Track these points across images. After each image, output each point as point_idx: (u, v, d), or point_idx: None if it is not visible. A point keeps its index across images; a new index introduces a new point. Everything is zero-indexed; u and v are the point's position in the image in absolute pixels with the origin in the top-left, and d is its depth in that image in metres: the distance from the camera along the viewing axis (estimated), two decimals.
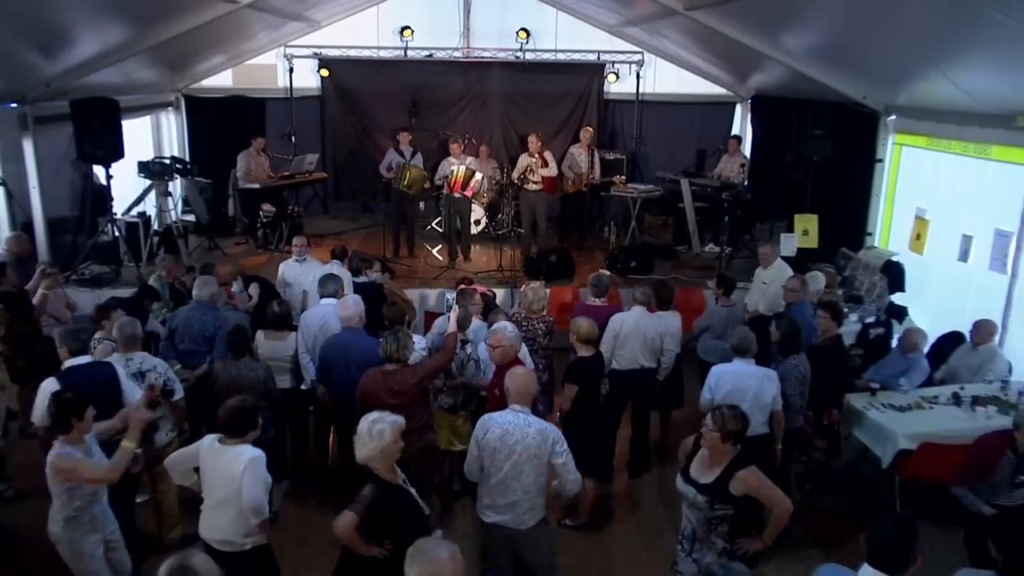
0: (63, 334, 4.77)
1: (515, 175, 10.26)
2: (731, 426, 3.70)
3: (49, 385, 4.49)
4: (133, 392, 4.73)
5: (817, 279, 7.10)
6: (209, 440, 3.99)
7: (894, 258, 8.18)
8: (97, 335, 5.61)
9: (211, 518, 3.97)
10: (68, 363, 4.67)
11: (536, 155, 10.18)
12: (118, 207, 9.08)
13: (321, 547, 5.25)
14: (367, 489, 3.54)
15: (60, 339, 4.74)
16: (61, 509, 4.09)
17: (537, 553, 4.23)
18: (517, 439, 3.96)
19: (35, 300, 6.35)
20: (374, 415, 3.66)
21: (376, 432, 3.58)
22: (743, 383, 5.00)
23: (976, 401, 5.71)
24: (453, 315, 5.38)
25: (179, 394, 5.07)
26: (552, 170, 10.42)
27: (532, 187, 10.14)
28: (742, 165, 10.67)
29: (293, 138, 12.18)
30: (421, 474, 4.93)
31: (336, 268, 7.16)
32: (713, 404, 4.88)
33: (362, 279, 7.29)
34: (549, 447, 4.00)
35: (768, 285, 7.34)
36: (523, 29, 11.81)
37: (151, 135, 11.46)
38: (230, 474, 3.85)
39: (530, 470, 3.99)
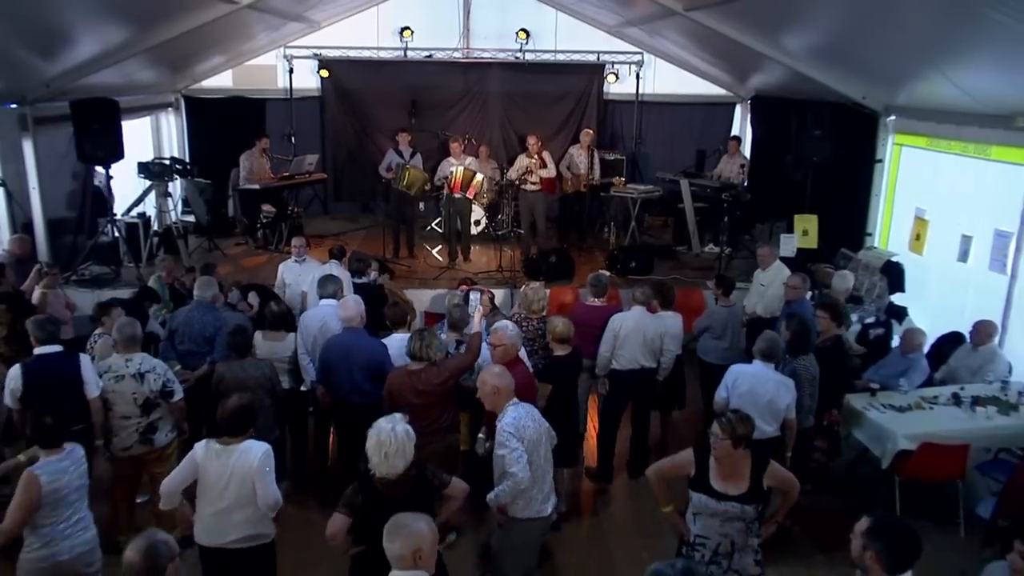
0: (31, 324, 5.00)
1: (513, 176, 10.25)
2: (741, 430, 3.70)
3: (14, 371, 4.81)
4: (94, 384, 4.83)
5: (845, 278, 7.03)
6: (204, 447, 3.93)
7: (894, 258, 8.17)
8: (96, 332, 5.62)
9: (224, 521, 3.92)
10: (37, 351, 4.89)
11: (535, 156, 10.17)
12: (118, 208, 9.08)
13: (321, 547, 5.24)
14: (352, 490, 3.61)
15: (29, 328, 4.98)
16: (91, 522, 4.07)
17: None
18: (540, 422, 4.21)
19: (34, 299, 6.36)
20: (384, 424, 3.58)
21: (411, 435, 3.58)
22: (760, 387, 4.98)
23: (976, 401, 5.71)
24: (478, 315, 5.38)
25: (178, 395, 5.05)
26: (551, 171, 10.42)
27: (531, 187, 10.14)
28: (742, 166, 10.68)
29: (293, 139, 12.18)
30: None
31: (335, 268, 7.15)
32: (728, 403, 4.91)
33: (361, 280, 7.29)
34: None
35: (766, 287, 7.33)
36: (523, 30, 11.82)
37: (151, 136, 11.47)
38: (244, 471, 3.85)
39: (550, 445, 4.29)
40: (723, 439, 3.70)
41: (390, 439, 3.51)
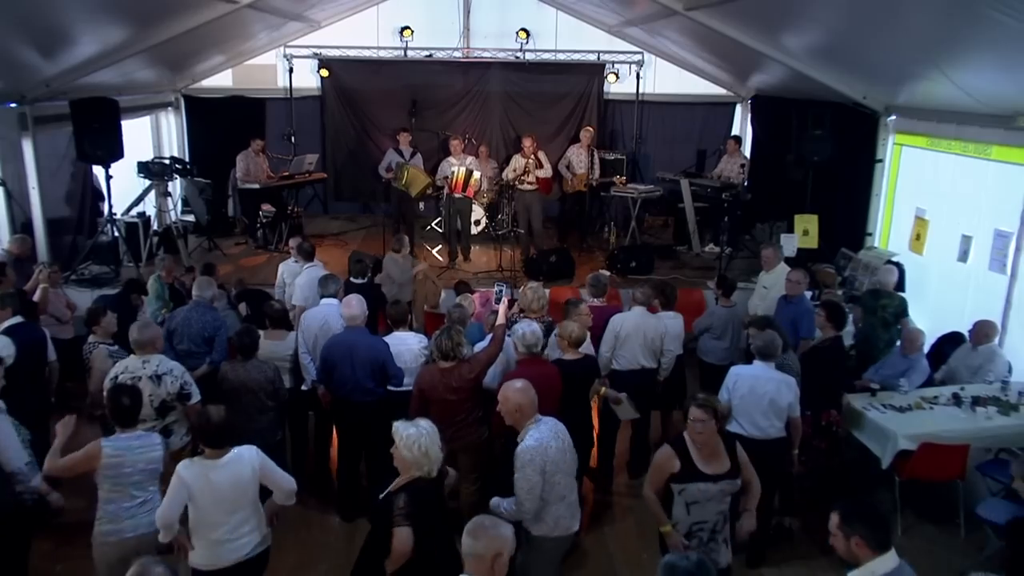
0: None
1: (509, 176, 10.21)
2: (720, 406, 3.98)
3: (2, 341, 5.11)
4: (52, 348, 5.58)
5: (892, 272, 6.98)
6: (188, 466, 3.75)
7: (894, 258, 8.17)
8: (91, 340, 5.58)
9: (235, 536, 3.81)
10: (8, 323, 5.35)
11: (531, 156, 10.14)
12: (117, 207, 9.07)
13: (321, 547, 5.25)
14: (401, 500, 3.47)
15: None
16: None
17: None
18: (563, 437, 4.05)
19: (35, 297, 6.35)
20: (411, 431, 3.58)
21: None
22: (760, 387, 4.94)
23: (976, 401, 5.71)
24: (503, 308, 5.40)
25: (196, 398, 4.93)
26: (547, 170, 10.38)
27: (527, 187, 10.10)
28: (742, 165, 10.67)
29: (293, 138, 12.17)
30: (473, 465, 4.98)
31: (308, 266, 7.10)
32: (730, 405, 4.94)
33: (360, 280, 7.26)
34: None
35: (768, 290, 7.28)
36: (523, 29, 11.81)
37: (151, 135, 11.46)
38: (244, 480, 3.80)
39: (574, 459, 4.14)
40: (707, 421, 3.81)
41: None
